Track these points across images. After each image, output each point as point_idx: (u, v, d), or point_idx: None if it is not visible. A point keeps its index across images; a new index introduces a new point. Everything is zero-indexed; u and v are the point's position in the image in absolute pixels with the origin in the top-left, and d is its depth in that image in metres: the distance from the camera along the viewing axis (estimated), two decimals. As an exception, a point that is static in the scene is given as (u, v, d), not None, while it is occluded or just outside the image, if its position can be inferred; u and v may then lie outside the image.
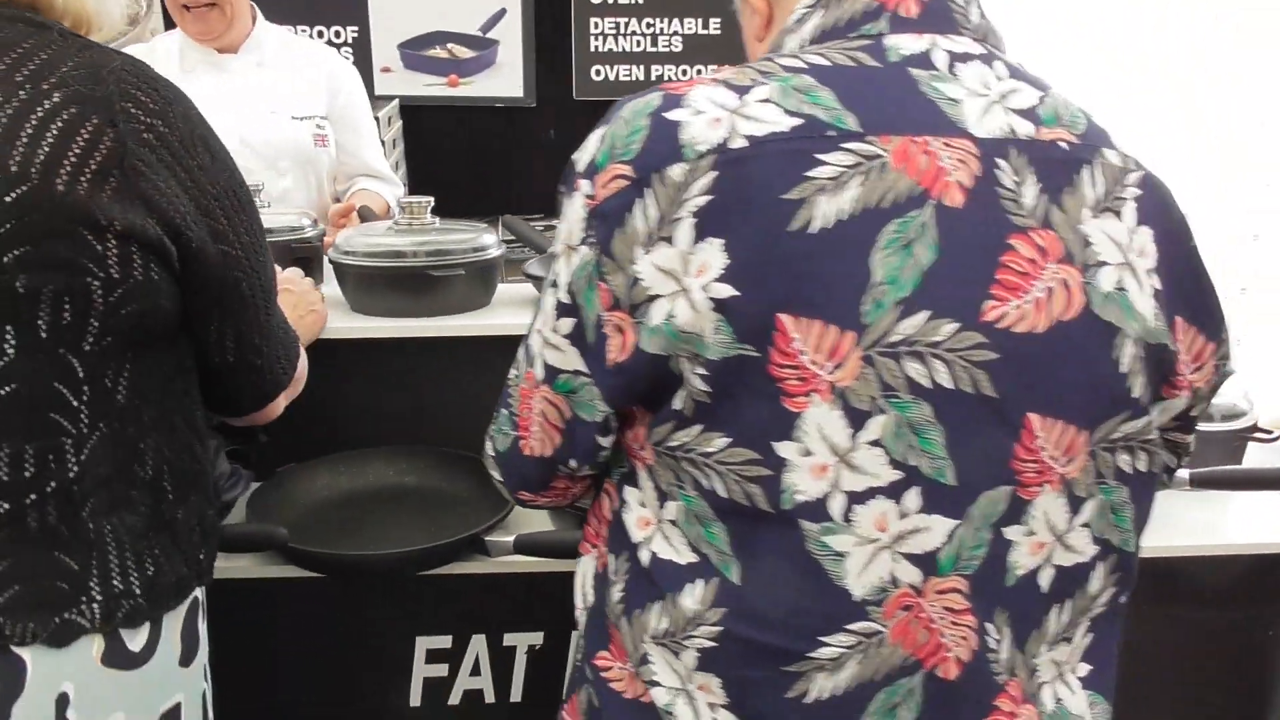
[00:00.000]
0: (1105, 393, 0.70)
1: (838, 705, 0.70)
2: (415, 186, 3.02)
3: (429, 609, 1.35)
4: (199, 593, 0.96)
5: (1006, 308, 0.67)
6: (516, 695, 1.39)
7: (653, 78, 3.47)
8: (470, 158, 3.44)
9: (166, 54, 2.09)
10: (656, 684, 0.74)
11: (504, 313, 1.49)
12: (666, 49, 3.43)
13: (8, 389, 0.81)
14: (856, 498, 0.67)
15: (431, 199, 1.49)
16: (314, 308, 1.35)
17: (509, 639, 1.37)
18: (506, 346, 0.88)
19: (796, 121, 0.67)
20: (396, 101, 3.20)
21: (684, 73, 3.45)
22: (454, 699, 1.39)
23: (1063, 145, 0.71)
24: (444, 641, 1.36)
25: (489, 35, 3.38)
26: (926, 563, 0.69)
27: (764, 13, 0.81)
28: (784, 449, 0.67)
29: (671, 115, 0.69)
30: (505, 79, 3.41)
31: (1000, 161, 0.69)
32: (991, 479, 0.69)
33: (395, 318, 1.44)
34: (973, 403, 0.68)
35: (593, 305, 0.71)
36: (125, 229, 0.81)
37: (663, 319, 0.67)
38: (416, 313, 1.44)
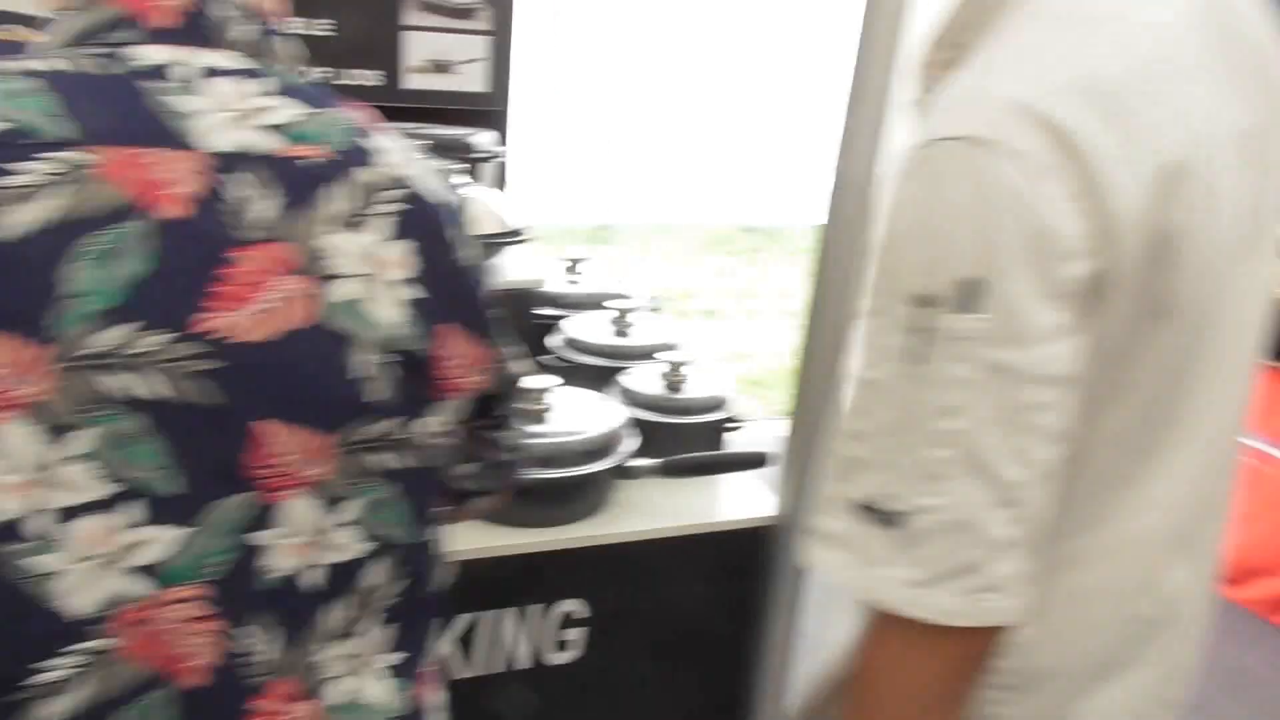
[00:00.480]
0: (342, 397, 0.73)
1: None
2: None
3: None
4: None
5: (233, 317, 0.69)
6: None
7: None
8: None
9: None
10: None
11: None
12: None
13: None
14: (64, 515, 0.66)
15: None
16: None
17: None
18: None
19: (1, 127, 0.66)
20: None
21: None
22: None
23: (308, 162, 0.73)
24: None
25: None
26: (158, 574, 0.69)
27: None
28: None
29: None
30: None
31: (230, 175, 0.70)
32: (228, 486, 0.70)
33: None
34: (201, 412, 0.68)
35: None
36: None
37: None
38: None
